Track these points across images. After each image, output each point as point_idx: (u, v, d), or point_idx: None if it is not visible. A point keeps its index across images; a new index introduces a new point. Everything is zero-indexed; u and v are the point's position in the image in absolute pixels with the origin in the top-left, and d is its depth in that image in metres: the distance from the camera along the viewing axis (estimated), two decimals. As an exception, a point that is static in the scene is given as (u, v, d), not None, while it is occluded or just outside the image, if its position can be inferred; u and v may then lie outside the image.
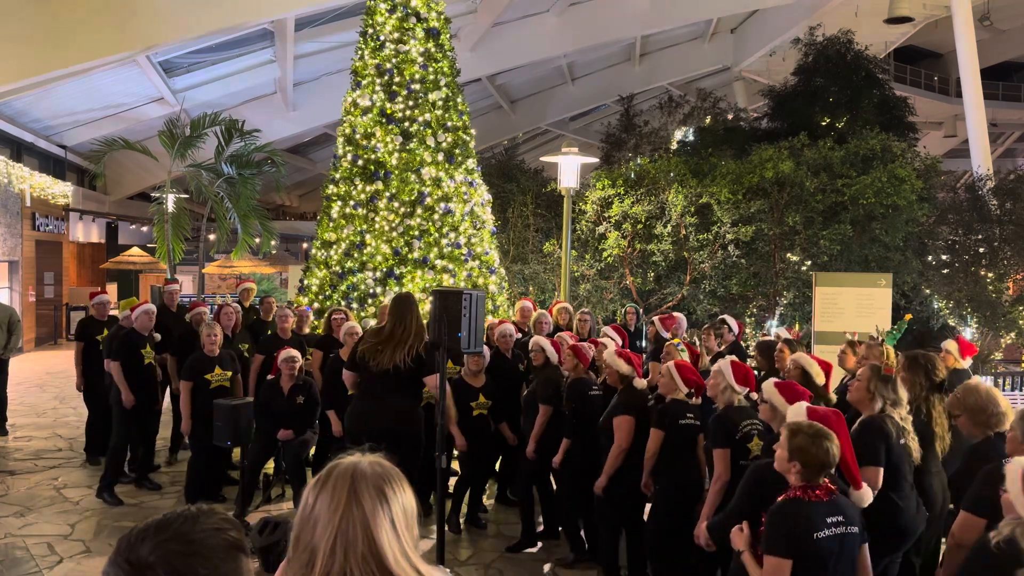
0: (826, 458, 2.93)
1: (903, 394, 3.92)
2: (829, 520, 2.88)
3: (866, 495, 3.18)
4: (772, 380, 4.03)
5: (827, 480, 2.96)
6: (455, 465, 6.92)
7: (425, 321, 6.23)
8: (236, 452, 6.74)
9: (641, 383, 5.00)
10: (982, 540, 2.50)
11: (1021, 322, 12.13)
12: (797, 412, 3.35)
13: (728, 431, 4.15)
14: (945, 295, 12.29)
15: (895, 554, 3.83)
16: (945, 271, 12.63)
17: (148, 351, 6.92)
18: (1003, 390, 11.69)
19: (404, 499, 1.53)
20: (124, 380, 6.68)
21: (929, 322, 12.57)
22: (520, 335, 7.17)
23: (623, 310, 9.39)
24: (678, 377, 4.68)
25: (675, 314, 8.12)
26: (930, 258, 12.76)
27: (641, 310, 9.36)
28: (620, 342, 6.33)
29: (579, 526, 5.52)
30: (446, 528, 5.88)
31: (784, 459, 2.98)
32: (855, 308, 9.12)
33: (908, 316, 8.03)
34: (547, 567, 5.45)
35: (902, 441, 3.79)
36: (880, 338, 5.51)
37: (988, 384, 3.81)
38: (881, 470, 3.66)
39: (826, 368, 4.72)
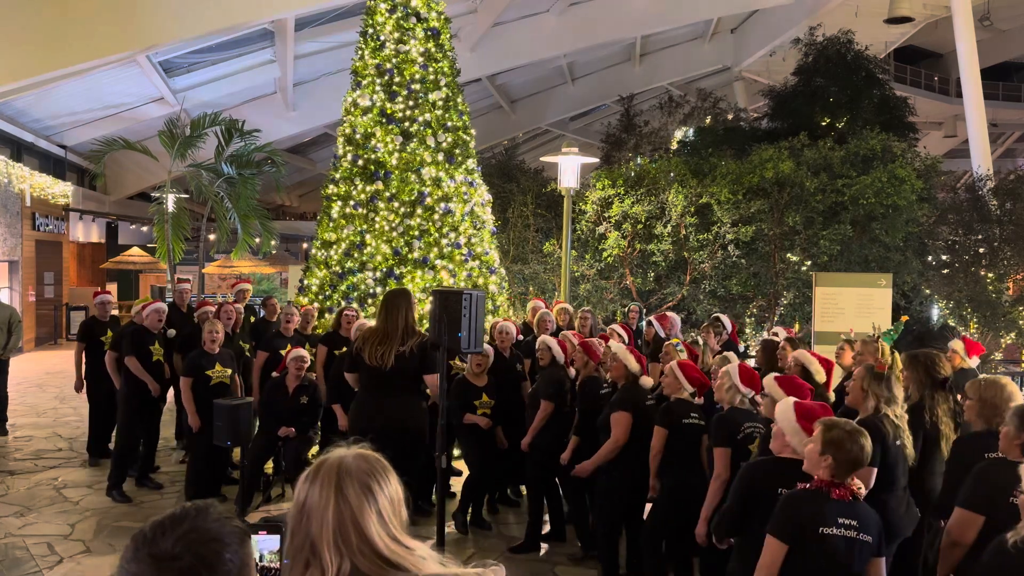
0: (860, 455, 2.89)
1: (898, 392, 3.90)
2: (841, 520, 2.84)
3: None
4: (773, 375, 4.02)
5: (854, 486, 2.92)
6: (455, 464, 6.93)
7: (425, 321, 6.23)
8: (236, 452, 6.74)
9: (648, 381, 5.00)
10: (999, 541, 2.49)
11: (1021, 322, 12.12)
12: (785, 407, 3.34)
13: (731, 431, 4.15)
14: (945, 295, 12.28)
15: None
16: (945, 271, 12.63)
17: (157, 348, 6.95)
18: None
19: (390, 489, 1.60)
20: (145, 372, 6.75)
21: (929, 322, 12.57)
22: (522, 336, 7.16)
23: (627, 308, 9.33)
24: (682, 376, 4.66)
25: (669, 314, 8.13)
26: (930, 258, 12.76)
27: (644, 309, 9.32)
28: (626, 340, 6.34)
29: (588, 522, 5.52)
30: (454, 527, 5.89)
31: (816, 452, 2.93)
32: (855, 308, 9.13)
33: (905, 317, 8.03)
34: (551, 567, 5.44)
35: (898, 442, 3.77)
36: (876, 335, 5.51)
37: (1015, 387, 3.74)
38: (874, 471, 3.65)
39: (827, 366, 4.72)
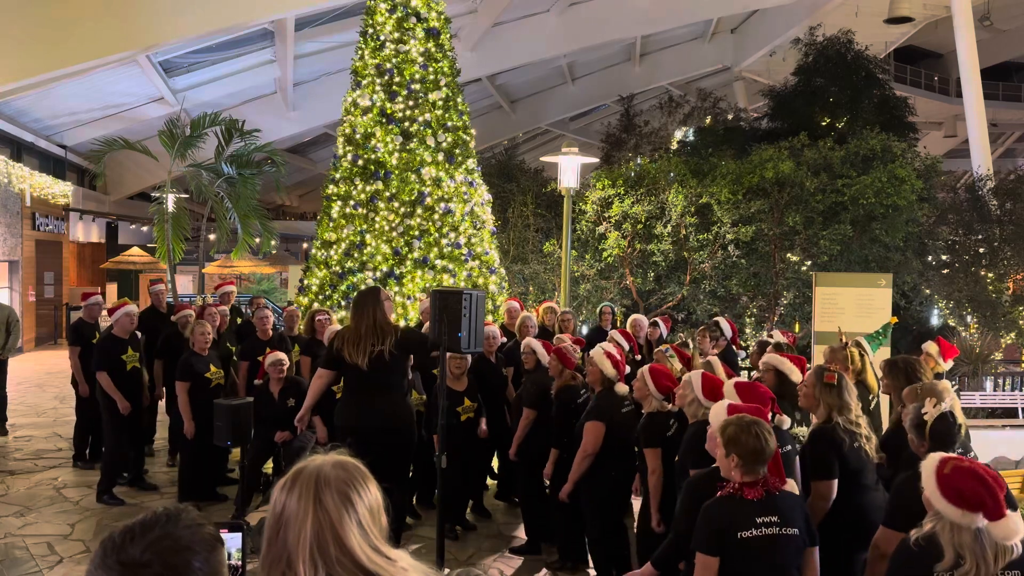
0: (758, 444, 2.88)
1: (849, 399, 3.83)
2: (759, 520, 2.84)
3: (791, 487, 3.14)
4: (735, 380, 3.96)
5: (770, 478, 2.92)
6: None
7: (425, 321, 6.22)
8: (236, 452, 6.72)
9: (623, 388, 4.81)
10: (904, 541, 2.50)
11: (1021, 322, 12.13)
12: (719, 410, 3.31)
13: (703, 450, 4.03)
14: (945, 295, 12.29)
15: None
16: (945, 271, 12.63)
17: (130, 355, 6.67)
18: (1003, 390, 11.69)
19: (369, 498, 1.58)
20: (115, 389, 6.50)
21: (929, 322, 12.57)
22: (505, 339, 6.91)
23: (598, 309, 8.79)
24: (651, 383, 4.42)
25: (657, 319, 8.09)
26: (930, 258, 12.76)
27: (615, 310, 9.04)
28: (627, 347, 6.21)
29: (571, 531, 5.43)
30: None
31: (723, 456, 2.95)
32: (855, 308, 9.11)
33: (894, 319, 7.98)
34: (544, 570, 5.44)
35: (856, 445, 3.74)
36: (844, 341, 5.40)
37: (951, 391, 3.73)
38: (834, 482, 3.66)
39: (799, 363, 4.62)
